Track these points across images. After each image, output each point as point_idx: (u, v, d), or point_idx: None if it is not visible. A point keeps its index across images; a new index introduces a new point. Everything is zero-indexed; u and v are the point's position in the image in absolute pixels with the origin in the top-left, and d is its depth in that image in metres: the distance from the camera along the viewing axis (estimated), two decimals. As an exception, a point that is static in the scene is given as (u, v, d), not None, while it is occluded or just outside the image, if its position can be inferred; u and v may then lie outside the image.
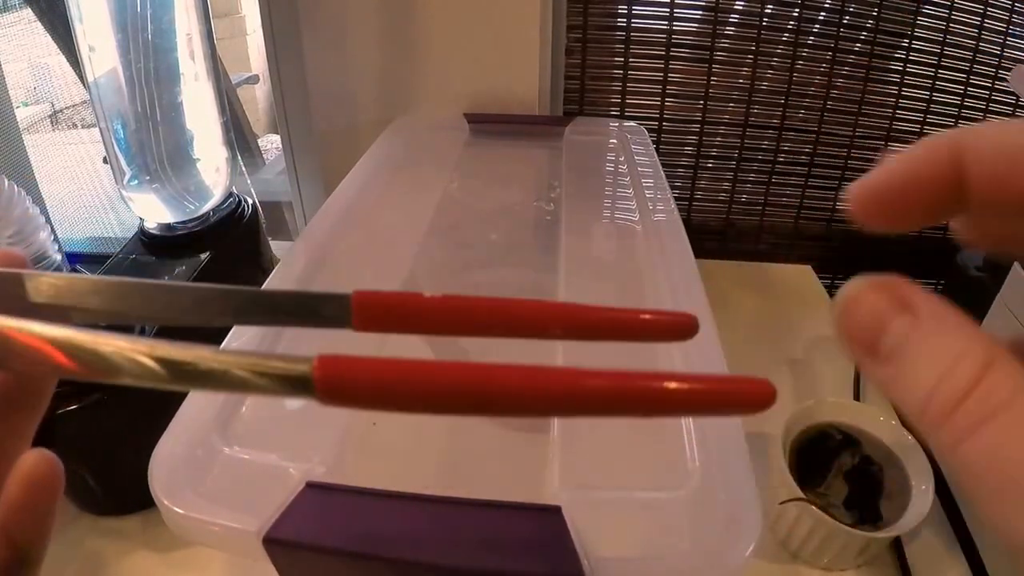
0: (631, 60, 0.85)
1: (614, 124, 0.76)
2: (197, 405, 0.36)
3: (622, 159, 0.67)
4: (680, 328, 0.20)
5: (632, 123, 0.75)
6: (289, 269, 0.49)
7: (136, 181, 0.64)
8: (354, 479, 0.32)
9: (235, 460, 0.33)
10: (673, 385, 0.16)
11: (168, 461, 0.33)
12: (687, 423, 0.34)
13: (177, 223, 0.67)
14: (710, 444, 0.33)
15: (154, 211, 0.66)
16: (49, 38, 0.94)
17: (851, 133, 0.88)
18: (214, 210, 0.69)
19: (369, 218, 0.57)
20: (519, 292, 0.54)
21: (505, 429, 0.40)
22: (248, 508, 0.30)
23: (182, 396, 0.37)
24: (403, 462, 0.39)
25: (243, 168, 0.77)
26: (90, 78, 0.59)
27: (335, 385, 0.15)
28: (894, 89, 0.86)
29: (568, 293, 0.46)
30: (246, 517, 0.30)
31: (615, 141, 0.72)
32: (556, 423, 0.35)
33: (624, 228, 0.56)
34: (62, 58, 0.99)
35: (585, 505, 0.31)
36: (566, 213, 0.57)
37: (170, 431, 0.34)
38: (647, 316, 0.20)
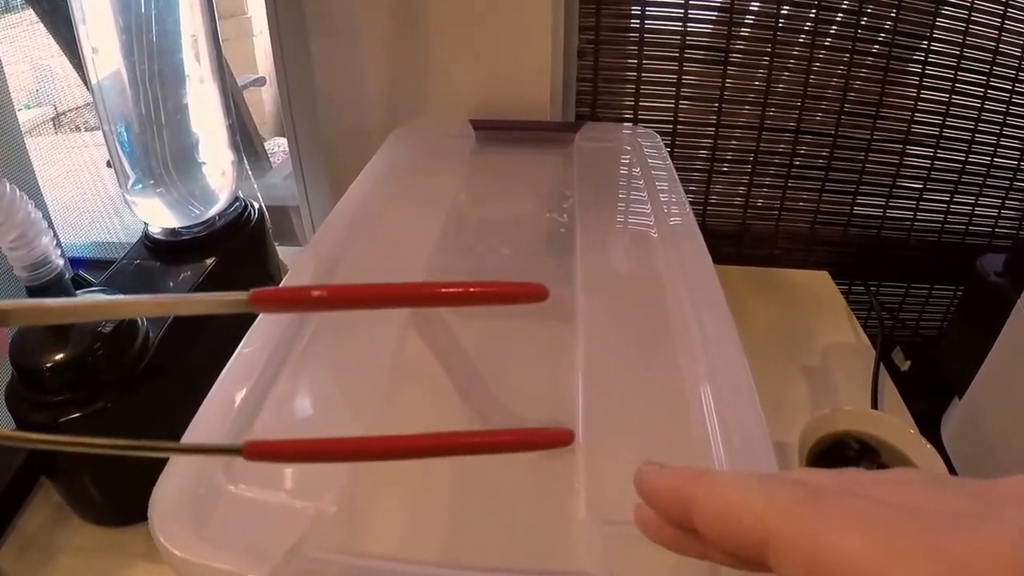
0: (644, 62, 0.84)
1: (626, 129, 0.74)
2: (197, 438, 0.34)
3: (636, 165, 0.66)
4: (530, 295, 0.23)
5: (644, 127, 0.74)
6: (297, 280, 0.48)
7: (140, 185, 0.63)
8: (368, 517, 0.31)
9: (240, 499, 0.31)
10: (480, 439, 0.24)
11: (169, 499, 0.31)
12: (718, 456, 0.33)
13: (182, 228, 0.66)
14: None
15: (159, 216, 0.66)
16: (52, 39, 0.94)
17: (869, 136, 0.87)
18: (220, 215, 0.69)
19: (377, 229, 0.56)
20: (535, 305, 0.53)
21: (526, 459, 0.38)
22: (253, 552, 0.29)
23: (189, 402, 0.36)
24: (419, 495, 0.37)
25: (249, 172, 0.76)
26: (93, 80, 0.59)
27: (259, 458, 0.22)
28: (913, 91, 0.85)
29: (586, 305, 0.45)
30: (251, 562, 0.28)
31: (627, 147, 0.71)
32: (582, 461, 0.33)
33: (640, 236, 0.54)
34: (65, 60, 0.99)
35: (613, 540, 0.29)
36: (580, 223, 0.55)
37: (171, 466, 0.33)
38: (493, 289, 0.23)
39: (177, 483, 0.32)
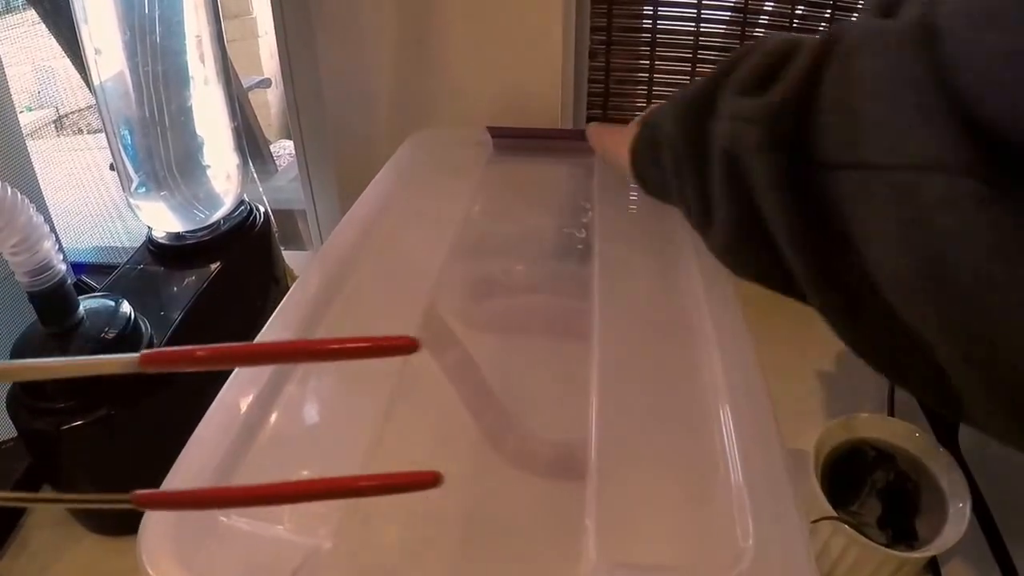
0: (657, 63, 0.83)
1: None
2: (193, 464, 0.32)
3: None
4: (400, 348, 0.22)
5: None
6: (305, 290, 0.47)
7: (144, 189, 0.63)
8: (366, 555, 0.30)
9: (232, 530, 0.30)
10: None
11: (158, 528, 0.30)
12: (739, 494, 0.31)
13: (186, 232, 0.66)
14: (764, 518, 0.30)
15: (162, 220, 0.66)
16: (54, 40, 0.93)
17: None
18: (225, 219, 0.69)
19: (389, 237, 0.55)
20: (550, 322, 0.52)
21: (536, 486, 0.37)
22: None
23: (193, 408, 0.35)
24: (420, 533, 0.36)
25: (255, 175, 0.76)
26: (96, 82, 0.58)
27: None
28: None
29: (604, 324, 0.43)
30: None
31: None
32: (593, 494, 0.31)
33: (660, 250, 0.52)
34: (67, 61, 0.99)
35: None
36: (599, 237, 0.53)
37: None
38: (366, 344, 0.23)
39: (165, 512, 0.31)
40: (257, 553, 0.29)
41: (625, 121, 0.55)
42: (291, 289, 0.46)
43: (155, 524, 0.30)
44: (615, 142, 0.48)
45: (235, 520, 0.30)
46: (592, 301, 0.45)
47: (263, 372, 0.37)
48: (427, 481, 0.22)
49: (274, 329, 0.42)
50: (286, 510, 0.31)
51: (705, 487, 0.32)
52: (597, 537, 0.29)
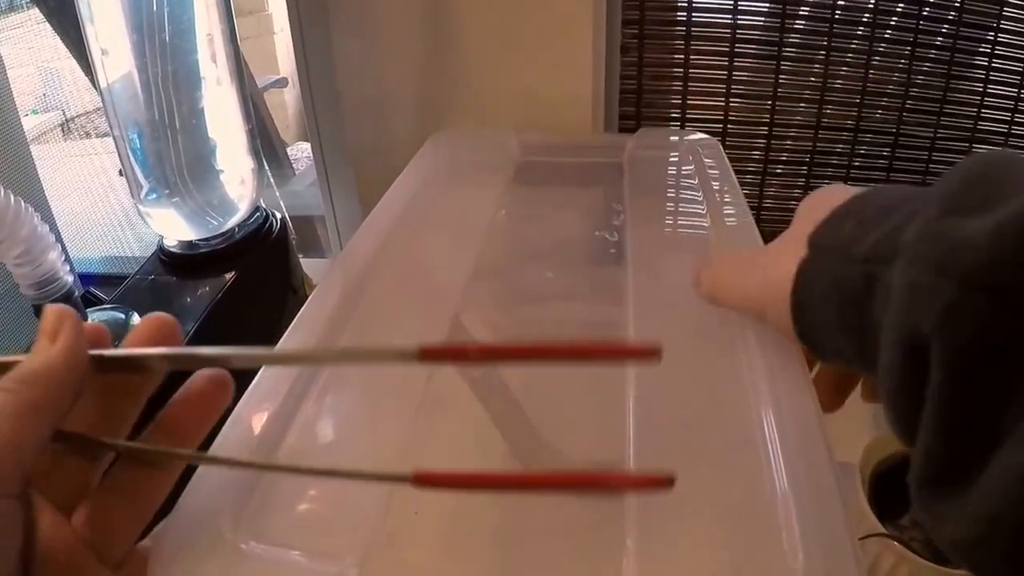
0: (692, 58, 0.81)
1: (688, 137, 0.69)
2: (207, 486, 0.31)
3: (693, 176, 0.61)
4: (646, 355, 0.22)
5: (704, 136, 0.68)
6: (325, 299, 0.45)
7: (154, 195, 0.63)
8: None
9: (248, 556, 0.28)
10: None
11: (169, 550, 0.28)
12: (785, 509, 0.29)
13: (199, 240, 0.66)
14: (813, 534, 0.28)
15: (174, 227, 0.66)
16: (59, 40, 0.92)
17: (932, 135, 0.83)
18: (239, 226, 0.68)
19: (412, 243, 0.54)
20: (582, 330, 0.51)
21: (567, 525, 0.35)
22: None
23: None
24: (450, 562, 0.34)
25: (271, 180, 0.77)
26: (103, 83, 0.58)
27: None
28: (979, 86, 0.81)
29: (639, 332, 0.42)
30: None
31: (685, 157, 0.65)
32: (632, 512, 0.30)
33: (697, 253, 0.51)
34: (73, 62, 0.98)
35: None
36: (632, 239, 0.52)
37: (176, 512, 0.29)
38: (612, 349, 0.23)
39: (179, 533, 0.29)
40: None
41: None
42: (310, 298, 0.45)
43: (167, 543, 0.28)
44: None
45: (252, 546, 0.28)
46: (626, 307, 0.44)
47: (283, 385, 0.36)
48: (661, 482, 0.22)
49: (293, 340, 0.40)
50: (303, 536, 0.30)
51: (750, 502, 0.30)
52: (638, 556, 0.28)
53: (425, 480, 0.23)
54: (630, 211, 0.56)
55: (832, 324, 0.28)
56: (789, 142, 0.85)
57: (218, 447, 0.32)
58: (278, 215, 0.72)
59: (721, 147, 0.65)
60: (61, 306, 0.27)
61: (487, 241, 0.53)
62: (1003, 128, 0.82)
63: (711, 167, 0.61)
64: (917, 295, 0.21)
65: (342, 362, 0.28)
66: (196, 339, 0.57)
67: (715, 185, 0.58)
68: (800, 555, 0.27)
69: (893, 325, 0.22)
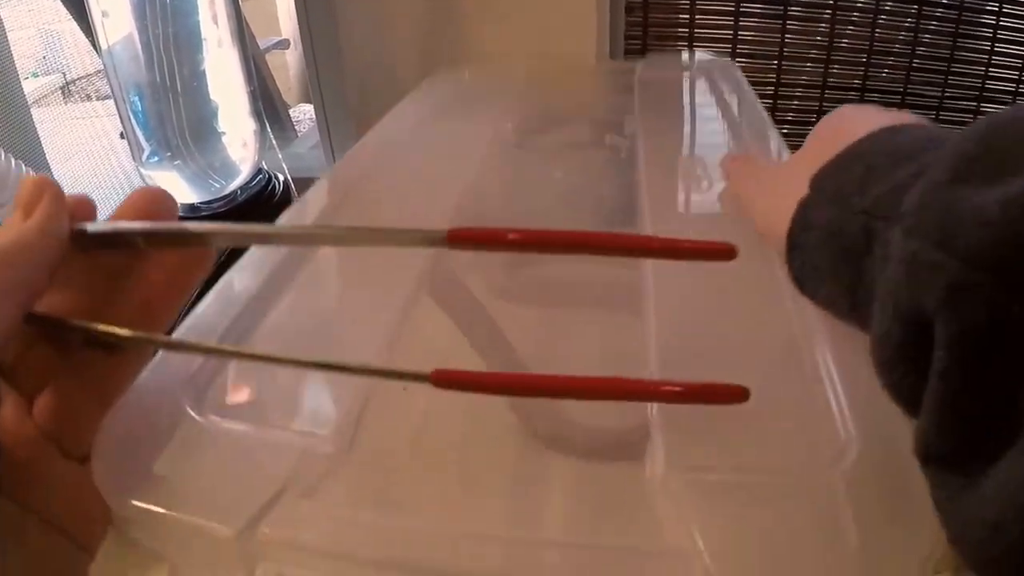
0: (697, 18, 0.79)
1: (701, 57, 0.66)
2: (170, 366, 0.28)
3: (708, 92, 0.58)
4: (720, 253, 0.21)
5: (717, 57, 0.66)
6: (305, 214, 0.43)
7: (156, 158, 0.63)
8: (373, 461, 0.26)
9: (211, 433, 0.25)
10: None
11: (121, 429, 0.25)
12: (832, 383, 0.26)
13: (201, 203, 0.66)
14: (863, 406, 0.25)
15: (176, 190, 0.65)
16: (59, 2, 0.91)
17: (940, 94, 0.83)
18: (242, 188, 0.68)
19: (410, 158, 0.51)
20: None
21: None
22: (222, 501, 0.23)
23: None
24: (429, 427, 0.30)
25: (273, 142, 0.75)
26: (104, 45, 0.58)
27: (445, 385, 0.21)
28: (986, 45, 0.80)
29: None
30: (218, 513, 0.22)
31: (696, 75, 0.63)
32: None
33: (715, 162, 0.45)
34: (74, 24, 0.97)
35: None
36: (644, 148, 0.48)
37: (132, 390, 0.26)
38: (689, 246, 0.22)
39: (134, 411, 0.25)
40: (241, 459, 0.25)
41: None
42: (289, 208, 0.43)
43: (119, 422, 0.25)
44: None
45: (214, 421, 0.25)
46: (642, 217, 0.40)
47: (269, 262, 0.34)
48: (736, 395, 0.20)
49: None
50: (274, 410, 0.28)
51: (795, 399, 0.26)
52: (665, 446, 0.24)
53: (446, 379, 0.21)
54: (640, 121, 0.53)
55: (825, 272, 0.27)
56: (796, 102, 0.84)
57: (191, 330, 0.30)
58: (280, 177, 0.72)
59: (736, 67, 0.62)
60: (42, 176, 0.24)
61: (489, 152, 0.51)
62: (1011, 87, 0.81)
63: (727, 90, 0.58)
64: (918, 270, 0.20)
65: (361, 243, 0.25)
66: (198, 301, 0.57)
67: (733, 104, 0.56)
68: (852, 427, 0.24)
69: (891, 296, 0.21)
